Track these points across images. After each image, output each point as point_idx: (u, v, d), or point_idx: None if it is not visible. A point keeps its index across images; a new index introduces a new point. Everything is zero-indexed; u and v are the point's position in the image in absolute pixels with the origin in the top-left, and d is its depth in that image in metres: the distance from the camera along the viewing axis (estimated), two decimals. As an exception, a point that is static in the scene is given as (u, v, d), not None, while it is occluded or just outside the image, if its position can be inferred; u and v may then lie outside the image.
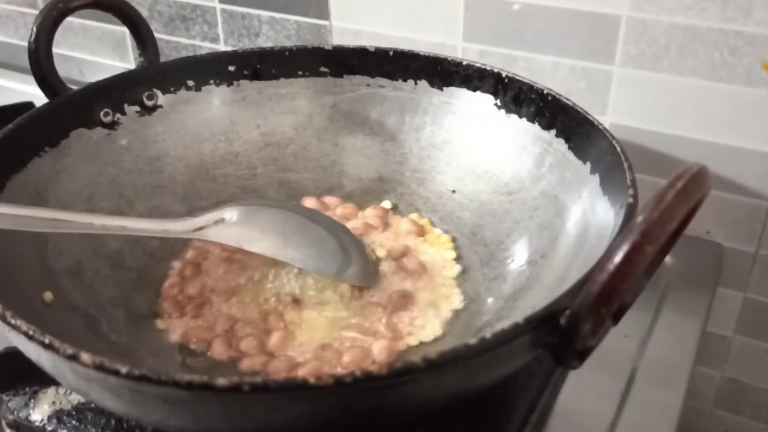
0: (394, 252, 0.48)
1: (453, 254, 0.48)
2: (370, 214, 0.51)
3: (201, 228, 0.44)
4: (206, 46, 0.73)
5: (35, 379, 0.42)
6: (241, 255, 0.48)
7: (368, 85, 0.54)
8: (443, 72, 0.52)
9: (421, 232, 0.50)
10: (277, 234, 0.45)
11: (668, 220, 0.28)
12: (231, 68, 0.54)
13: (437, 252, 0.49)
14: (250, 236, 0.45)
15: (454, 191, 0.52)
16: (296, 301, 0.45)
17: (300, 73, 0.55)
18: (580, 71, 0.57)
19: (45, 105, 0.49)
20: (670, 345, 0.48)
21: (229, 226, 0.44)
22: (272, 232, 0.45)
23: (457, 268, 0.47)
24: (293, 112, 0.55)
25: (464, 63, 0.51)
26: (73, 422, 0.40)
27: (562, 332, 0.30)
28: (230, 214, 0.45)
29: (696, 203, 0.30)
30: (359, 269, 0.45)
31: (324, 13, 0.65)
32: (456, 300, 0.45)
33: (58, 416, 0.41)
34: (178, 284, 0.46)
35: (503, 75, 0.50)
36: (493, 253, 0.47)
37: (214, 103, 0.55)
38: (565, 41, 0.56)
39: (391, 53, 0.53)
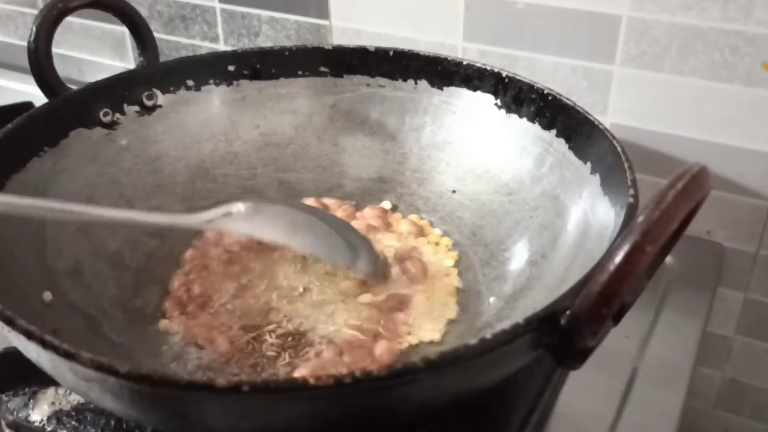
0: (400, 253, 0.48)
1: (452, 261, 0.48)
2: (369, 214, 0.51)
3: (210, 221, 0.44)
4: (206, 46, 0.73)
5: (35, 379, 0.42)
6: (241, 256, 0.48)
7: (368, 85, 0.54)
8: (443, 72, 0.52)
9: (421, 233, 0.50)
10: (286, 224, 0.46)
11: (669, 220, 0.28)
12: (231, 68, 0.54)
13: (438, 255, 0.49)
14: (260, 226, 0.45)
15: (454, 191, 0.52)
16: (298, 298, 0.44)
17: (300, 72, 0.55)
18: (580, 71, 0.57)
19: (45, 105, 0.49)
20: (671, 345, 0.48)
21: (238, 218, 0.45)
22: (281, 222, 0.46)
23: (455, 279, 0.47)
24: (293, 112, 0.55)
25: (464, 63, 0.51)
26: (73, 422, 0.40)
27: (563, 333, 0.30)
28: (237, 208, 0.45)
29: (697, 203, 0.30)
30: (367, 264, 0.46)
31: (324, 13, 0.65)
32: (452, 310, 0.45)
33: (57, 417, 0.41)
34: (184, 284, 0.46)
35: (503, 75, 0.50)
36: (493, 253, 0.47)
37: (214, 103, 0.54)
38: (565, 41, 0.56)
39: (391, 53, 0.53)
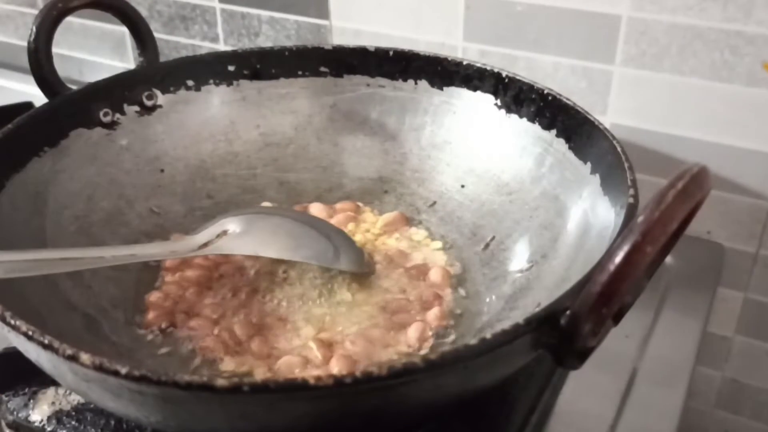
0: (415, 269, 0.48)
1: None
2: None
3: (206, 244, 0.44)
4: (206, 46, 0.73)
5: (35, 379, 0.42)
6: (220, 270, 0.47)
7: (368, 85, 0.54)
8: (443, 72, 0.52)
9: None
10: (285, 236, 0.46)
11: (669, 220, 0.28)
12: (231, 68, 0.54)
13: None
14: (262, 242, 0.45)
15: (463, 185, 0.51)
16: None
17: (300, 73, 0.55)
18: (580, 71, 0.57)
19: (44, 105, 0.49)
20: (671, 345, 0.48)
21: (236, 237, 0.44)
22: (281, 235, 0.46)
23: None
24: (293, 112, 0.55)
25: (464, 63, 0.51)
26: (73, 423, 0.40)
27: (563, 333, 0.30)
28: (232, 225, 0.45)
29: (697, 203, 0.30)
30: (353, 260, 0.46)
31: (324, 13, 0.65)
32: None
33: (57, 417, 0.41)
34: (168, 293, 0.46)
35: (503, 75, 0.50)
36: (493, 253, 0.47)
37: (214, 103, 0.54)
38: (565, 41, 0.56)
39: (391, 53, 0.53)
